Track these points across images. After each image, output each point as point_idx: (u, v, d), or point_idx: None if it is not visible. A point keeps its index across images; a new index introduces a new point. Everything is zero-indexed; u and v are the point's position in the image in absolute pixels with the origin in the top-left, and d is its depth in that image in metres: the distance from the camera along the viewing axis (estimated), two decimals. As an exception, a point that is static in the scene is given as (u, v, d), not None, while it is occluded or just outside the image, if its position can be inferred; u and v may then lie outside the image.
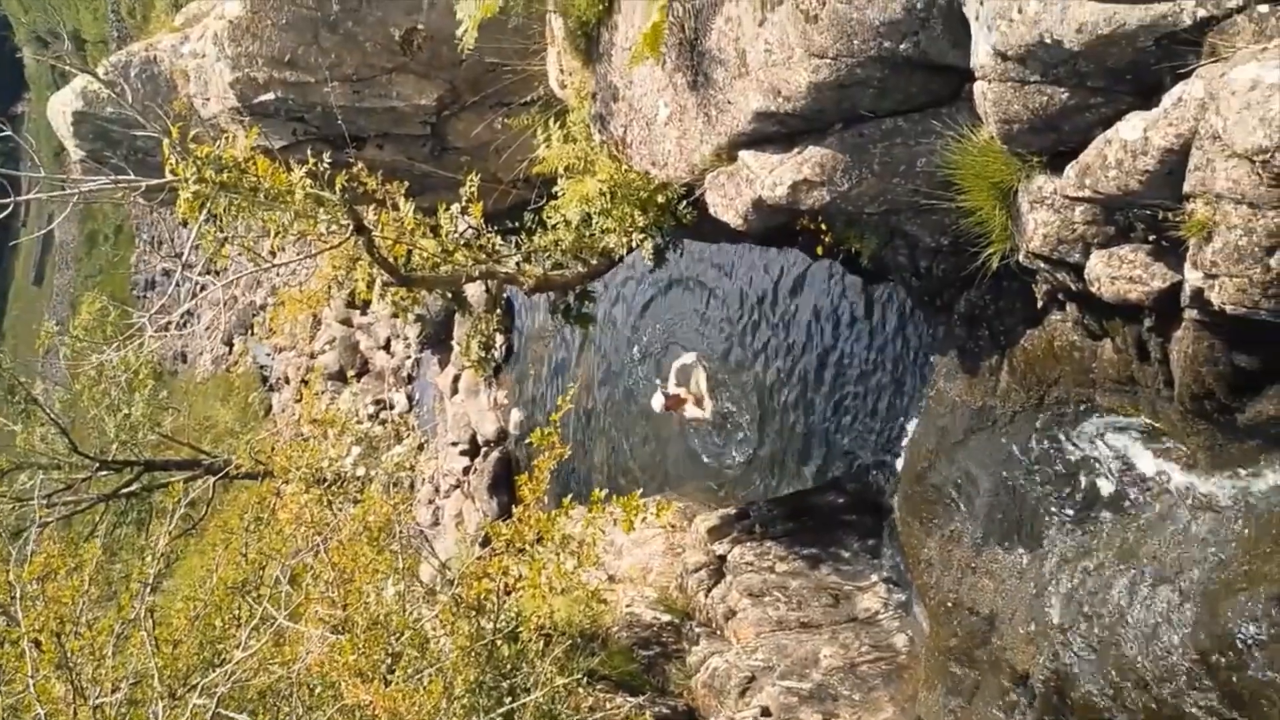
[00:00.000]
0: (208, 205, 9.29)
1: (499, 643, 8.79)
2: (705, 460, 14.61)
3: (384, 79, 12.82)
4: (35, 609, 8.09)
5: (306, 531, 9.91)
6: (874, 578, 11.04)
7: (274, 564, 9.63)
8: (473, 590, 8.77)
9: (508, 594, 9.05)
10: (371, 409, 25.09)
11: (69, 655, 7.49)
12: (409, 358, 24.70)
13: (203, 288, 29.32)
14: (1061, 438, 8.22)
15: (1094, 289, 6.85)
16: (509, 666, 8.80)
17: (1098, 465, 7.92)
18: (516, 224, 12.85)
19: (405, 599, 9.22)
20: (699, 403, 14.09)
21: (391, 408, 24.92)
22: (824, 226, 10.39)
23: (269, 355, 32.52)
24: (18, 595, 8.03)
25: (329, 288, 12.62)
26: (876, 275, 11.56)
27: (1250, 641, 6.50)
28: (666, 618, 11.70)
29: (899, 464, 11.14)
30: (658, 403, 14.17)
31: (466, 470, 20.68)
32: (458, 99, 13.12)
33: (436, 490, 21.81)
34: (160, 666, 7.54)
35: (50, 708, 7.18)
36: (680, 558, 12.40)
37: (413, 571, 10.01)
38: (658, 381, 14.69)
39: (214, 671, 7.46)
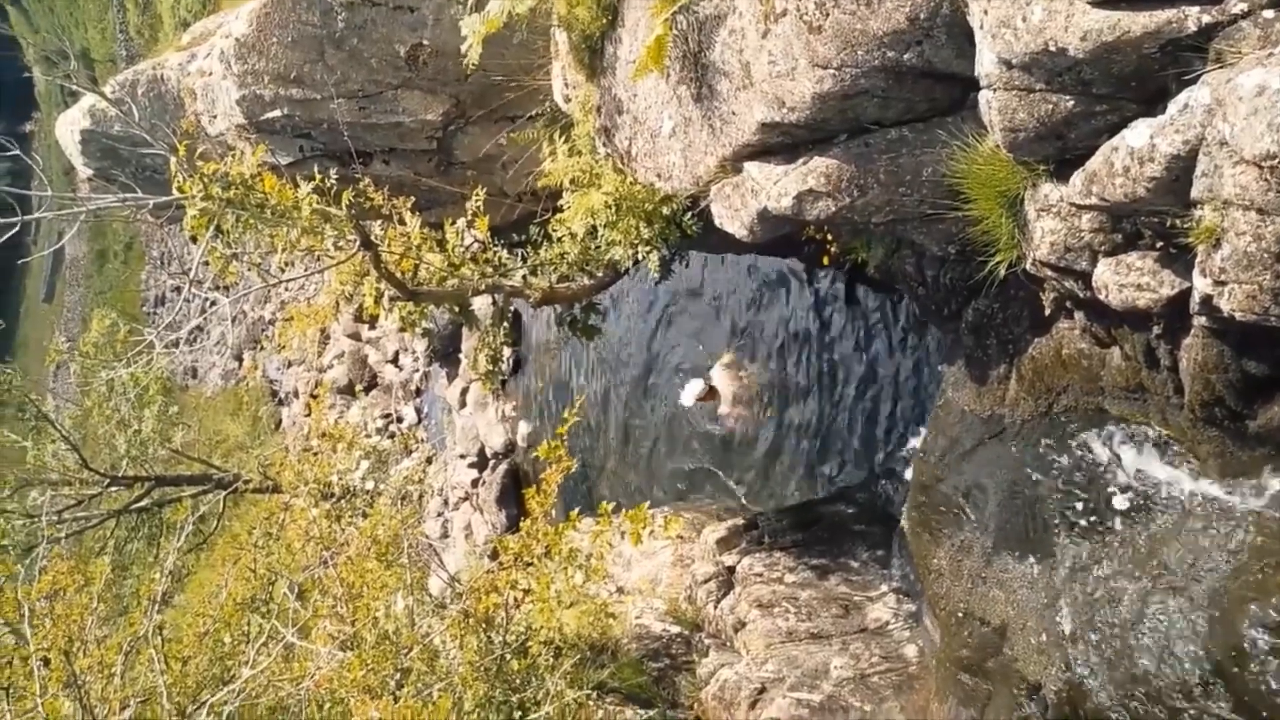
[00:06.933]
0: (215, 221, 9.33)
1: (508, 657, 8.77)
2: (712, 470, 14.58)
3: (390, 95, 12.87)
4: (44, 627, 8.10)
5: (315, 547, 9.90)
6: (884, 588, 10.98)
7: (283, 580, 9.62)
8: (481, 604, 8.76)
9: (517, 607, 9.04)
10: (380, 422, 25.13)
11: (77, 673, 7.48)
12: (417, 371, 24.73)
13: (211, 303, 29.40)
14: (1071, 446, 8.18)
15: (1102, 296, 6.82)
16: (519, 681, 8.78)
17: (1107, 474, 7.88)
18: (522, 237, 12.89)
19: (414, 613, 9.21)
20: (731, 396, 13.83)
21: (400, 421, 24.95)
22: (830, 236, 10.41)
23: (278, 370, 32.63)
24: (26, 614, 8.03)
25: (337, 303, 12.67)
26: (883, 285, 11.55)
27: (1263, 651, 6.45)
28: (676, 629, 11.66)
29: (908, 474, 11.10)
30: (692, 392, 13.80)
31: (475, 483, 20.68)
32: (463, 114, 13.17)
33: (445, 503, 21.81)
34: (169, 684, 7.53)
35: (59, 726, 7.18)
36: (689, 569, 12.36)
37: (421, 585, 10.00)
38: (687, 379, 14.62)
39: (223, 689, 7.44)
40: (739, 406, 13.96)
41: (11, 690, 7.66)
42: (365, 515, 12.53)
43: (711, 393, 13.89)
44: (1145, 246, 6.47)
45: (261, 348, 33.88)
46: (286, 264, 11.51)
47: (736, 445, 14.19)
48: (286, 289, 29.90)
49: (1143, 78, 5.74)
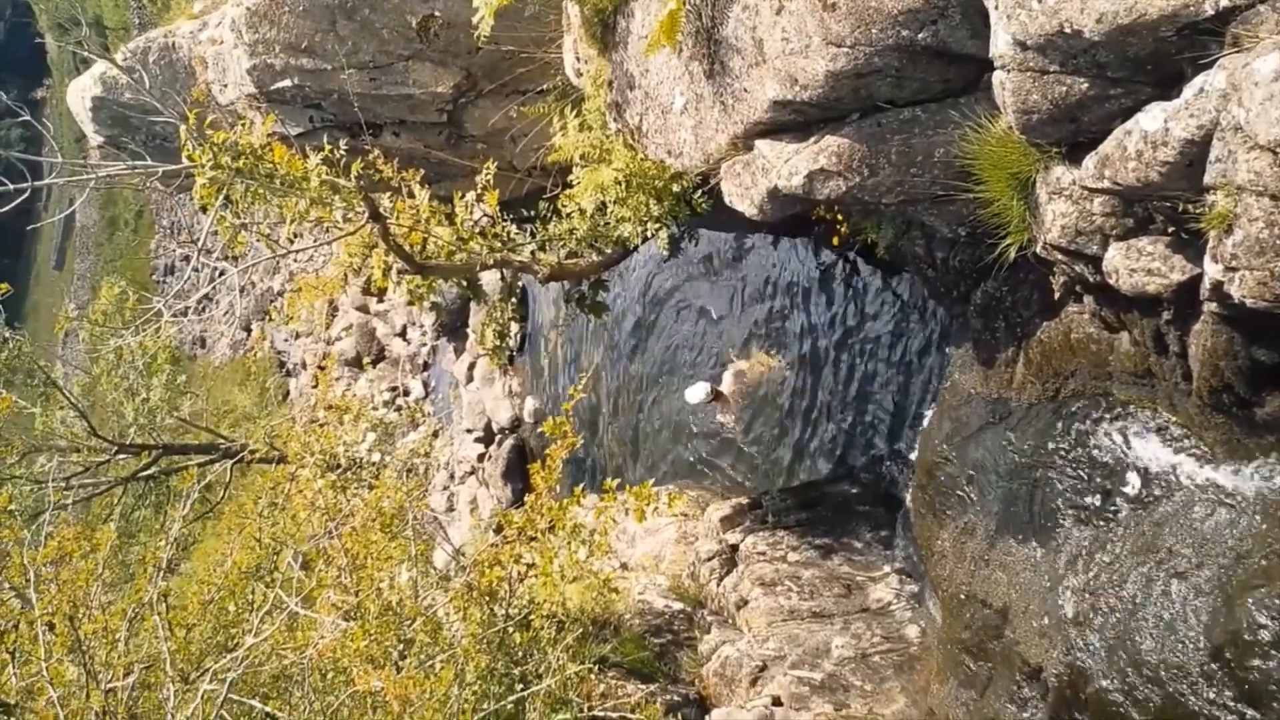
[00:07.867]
0: (224, 191, 9.32)
1: (511, 630, 8.81)
2: (718, 449, 14.58)
3: (401, 66, 12.84)
4: (50, 592, 8.15)
5: (320, 517, 9.95)
6: (886, 569, 11.01)
7: (287, 549, 9.67)
8: (485, 577, 8.80)
9: (520, 581, 9.07)
10: (387, 395, 25.17)
11: (82, 639, 7.54)
12: (425, 345, 24.74)
13: (220, 273, 29.47)
14: (1077, 431, 8.17)
15: (1112, 281, 6.80)
16: (521, 653, 8.83)
17: (1113, 459, 7.87)
18: (532, 212, 12.87)
19: (418, 585, 9.25)
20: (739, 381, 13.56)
21: (407, 394, 24.98)
22: (840, 216, 10.38)
23: (286, 341, 32.68)
24: (32, 578, 8.08)
25: (345, 275, 12.68)
26: (893, 266, 11.51)
27: (1266, 637, 6.46)
28: (678, 606, 11.71)
29: (913, 455, 11.10)
30: (697, 394, 13.46)
31: (481, 457, 20.73)
32: (474, 87, 13.12)
33: (451, 476, 21.88)
34: (173, 650, 7.58)
35: (63, 691, 7.23)
36: (693, 546, 12.40)
37: (426, 557, 10.04)
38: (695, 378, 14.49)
39: (226, 656, 7.49)
40: (744, 405, 13.91)
41: (17, 654, 7.72)
42: (371, 487, 12.56)
43: (717, 396, 13.80)
44: (1157, 231, 6.44)
45: (270, 318, 33.90)
46: (295, 235, 11.52)
47: (741, 430, 14.18)
48: (295, 260, 29.93)
49: (1158, 61, 5.69)
